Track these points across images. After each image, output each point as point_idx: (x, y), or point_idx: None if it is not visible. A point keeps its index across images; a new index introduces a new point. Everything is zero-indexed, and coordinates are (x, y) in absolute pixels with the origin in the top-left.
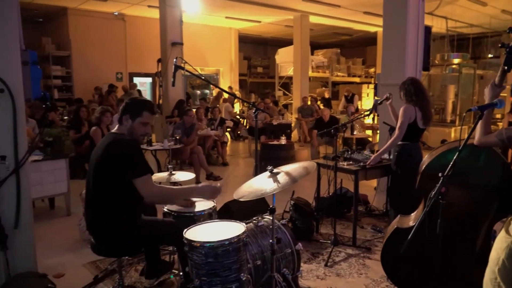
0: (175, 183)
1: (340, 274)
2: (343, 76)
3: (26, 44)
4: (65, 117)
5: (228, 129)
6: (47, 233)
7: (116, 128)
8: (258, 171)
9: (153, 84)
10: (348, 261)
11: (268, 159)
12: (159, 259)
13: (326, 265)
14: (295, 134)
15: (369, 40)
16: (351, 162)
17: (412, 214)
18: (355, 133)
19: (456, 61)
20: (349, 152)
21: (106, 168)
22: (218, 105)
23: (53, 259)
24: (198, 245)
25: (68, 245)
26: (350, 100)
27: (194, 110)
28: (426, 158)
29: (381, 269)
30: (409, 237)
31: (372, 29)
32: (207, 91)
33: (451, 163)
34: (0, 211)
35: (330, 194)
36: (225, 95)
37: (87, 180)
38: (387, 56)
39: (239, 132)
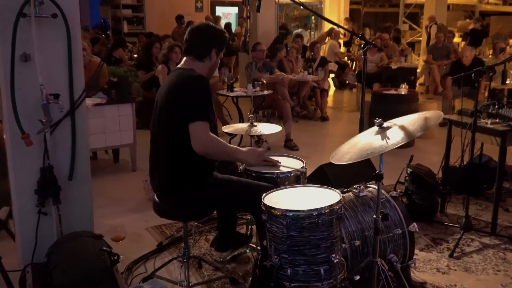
0: (257, 137)
1: (469, 269)
2: (496, 3)
3: None
4: (135, 55)
5: (331, 74)
6: (109, 189)
7: (183, 62)
8: (363, 126)
9: (239, 15)
10: (483, 253)
11: (381, 114)
12: (234, 230)
13: (451, 255)
14: (422, 82)
15: None
16: (497, 120)
17: None
18: (507, 82)
19: None
20: (496, 107)
21: (170, 109)
22: (321, 43)
23: (114, 220)
24: (278, 213)
25: (131, 205)
26: None
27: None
28: None
29: None
30: None
31: None
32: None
33: None
34: (53, 159)
35: (465, 163)
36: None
37: (151, 126)
38: None
39: (345, 79)
